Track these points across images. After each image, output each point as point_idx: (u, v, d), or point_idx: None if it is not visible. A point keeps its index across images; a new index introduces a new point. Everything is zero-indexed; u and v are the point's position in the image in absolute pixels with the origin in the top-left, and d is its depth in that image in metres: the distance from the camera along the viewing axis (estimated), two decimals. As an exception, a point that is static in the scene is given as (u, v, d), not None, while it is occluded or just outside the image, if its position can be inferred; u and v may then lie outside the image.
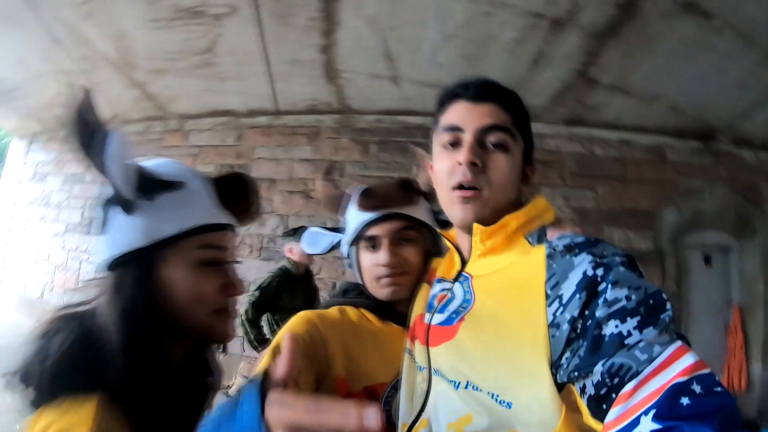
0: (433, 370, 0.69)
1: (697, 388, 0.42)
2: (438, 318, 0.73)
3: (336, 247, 1.00)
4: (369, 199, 0.88)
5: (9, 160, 5.55)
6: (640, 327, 0.48)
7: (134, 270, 0.60)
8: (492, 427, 0.56)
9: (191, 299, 0.62)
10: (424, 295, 0.84)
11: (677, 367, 0.44)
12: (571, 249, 0.59)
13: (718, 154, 3.63)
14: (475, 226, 0.69)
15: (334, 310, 0.87)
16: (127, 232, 0.61)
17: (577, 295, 0.53)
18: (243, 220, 0.74)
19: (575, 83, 3.13)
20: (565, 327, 0.53)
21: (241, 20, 2.94)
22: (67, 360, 0.54)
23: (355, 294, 0.91)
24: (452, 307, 0.71)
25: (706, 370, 0.44)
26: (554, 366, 0.53)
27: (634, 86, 3.16)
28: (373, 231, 0.87)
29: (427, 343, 0.72)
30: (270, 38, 3.06)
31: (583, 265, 0.55)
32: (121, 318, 0.57)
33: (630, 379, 0.45)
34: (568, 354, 0.52)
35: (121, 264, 0.61)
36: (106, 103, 4.19)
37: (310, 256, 2.58)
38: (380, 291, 0.86)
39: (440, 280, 0.81)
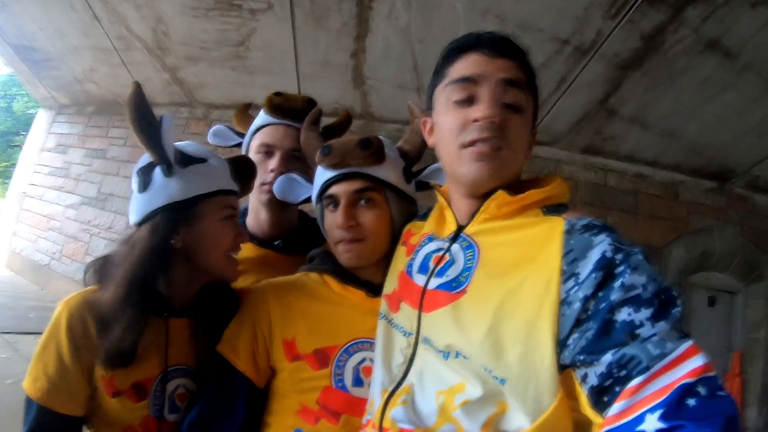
0: (421, 337, 0.65)
1: (702, 390, 0.42)
2: (435, 282, 0.67)
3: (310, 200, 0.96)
4: (327, 156, 0.83)
5: (34, 129, 5.67)
6: (653, 319, 0.47)
7: (170, 216, 0.78)
8: (485, 396, 0.54)
9: (215, 244, 0.82)
10: (402, 259, 0.79)
11: (687, 366, 0.44)
12: (590, 228, 0.56)
13: (731, 197, 3.63)
14: (500, 192, 0.64)
15: (296, 276, 0.91)
16: (167, 190, 0.78)
17: (594, 275, 0.51)
18: (244, 191, 0.94)
19: (595, 112, 3.16)
20: (577, 306, 0.51)
21: (276, 17, 3.01)
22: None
23: (321, 260, 0.91)
24: (452, 272, 0.65)
25: (713, 373, 0.44)
26: (560, 345, 0.51)
27: (654, 121, 3.18)
28: (332, 190, 0.84)
29: (420, 308, 0.67)
30: (302, 38, 3.13)
31: (603, 245, 0.53)
32: (146, 254, 0.76)
33: (638, 374, 0.45)
34: (576, 334, 0.50)
35: (156, 215, 0.78)
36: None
37: None
38: (341, 256, 0.84)
39: (432, 238, 0.75)
